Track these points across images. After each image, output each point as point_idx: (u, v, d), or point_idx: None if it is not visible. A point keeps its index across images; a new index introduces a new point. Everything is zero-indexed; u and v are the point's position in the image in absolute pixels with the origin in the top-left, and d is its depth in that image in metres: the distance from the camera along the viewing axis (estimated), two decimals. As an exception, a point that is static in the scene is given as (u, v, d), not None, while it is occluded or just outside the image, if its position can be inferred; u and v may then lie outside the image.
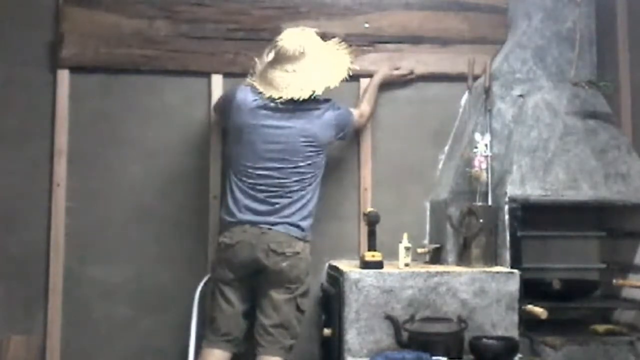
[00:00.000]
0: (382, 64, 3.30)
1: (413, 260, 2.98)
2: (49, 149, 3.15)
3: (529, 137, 3.08)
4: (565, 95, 3.18)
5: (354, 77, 3.27)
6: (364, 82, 3.30)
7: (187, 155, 3.22)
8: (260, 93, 2.86)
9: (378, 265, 2.83)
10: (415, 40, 3.33)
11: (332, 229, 3.20)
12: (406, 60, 3.32)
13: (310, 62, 2.87)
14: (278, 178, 2.79)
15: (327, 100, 2.91)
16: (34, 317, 3.09)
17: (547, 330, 2.87)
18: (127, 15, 3.20)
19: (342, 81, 2.94)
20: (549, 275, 3.06)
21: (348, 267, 2.88)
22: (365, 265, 2.83)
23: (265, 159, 2.81)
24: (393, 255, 2.92)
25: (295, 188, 2.80)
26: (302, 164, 2.81)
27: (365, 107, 3.17)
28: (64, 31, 3.16)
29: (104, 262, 3.15)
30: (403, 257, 2.90)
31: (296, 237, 2.77)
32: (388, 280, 2.77)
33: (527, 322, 2.81)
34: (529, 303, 2.79)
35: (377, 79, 3.23)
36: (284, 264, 2.72)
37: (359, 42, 3.29)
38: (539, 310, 2.73)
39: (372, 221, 2.89)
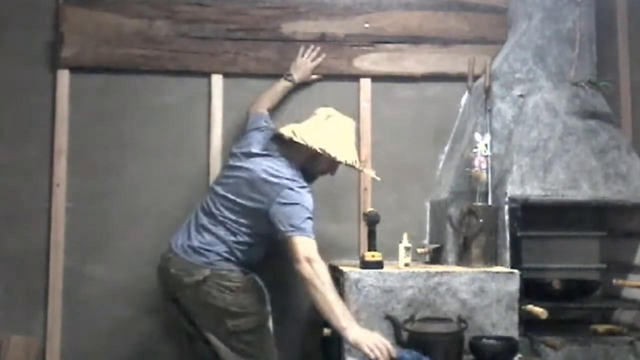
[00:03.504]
0: (382, 64, 3.29)
1: (413, 260, 2.98)
2: (49, 149, 3.15)
3: (529, 137, 3.08)
4: (565, 95, 3.18)
5: (354, 77, 3.30)
6: (363, 82, 3.30)
7: (187, 155, 3.22)
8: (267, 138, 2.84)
9: (378, 265, 2.83)
10: (415, 40, 3.33)
11: (332, 229, 3.20)
12: (406, 60, 3.32)
13: (324, 123, 2.78)
14: (212, 206, 2.74)
15: (291, 183, 2.62)
16: (34, 317, 3.09)
17: (547, 330, 2.86)
18: (128, 15, 3.20)
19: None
20: (549, 275, 3.06)
21: (348, 267, 2.87)
22: (365, 265, 2.83)
23: (217, 185, 2.83)
24: (393, 255, 2.92)
25: (219, 223, 2.70)
26: (239, 208, 2.69)
27: (320, 270, 2.52)
28: (64, 31, 3.16)
29: (104, 262, 3.15)
30: (403, 257, 2.90)
31: (195, 264, 2.65)
32: (388, 280, 2.76)
33: (527, 322, 2.81)
34: (529, 303, 2.79)
35: (354, 333, 2.47)
36: (188, 292, 2.66)
37: (359, 42, 3.29)
38: (539, 310, 2.73)
39: (372, 221, 2.89)
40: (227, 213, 2.71)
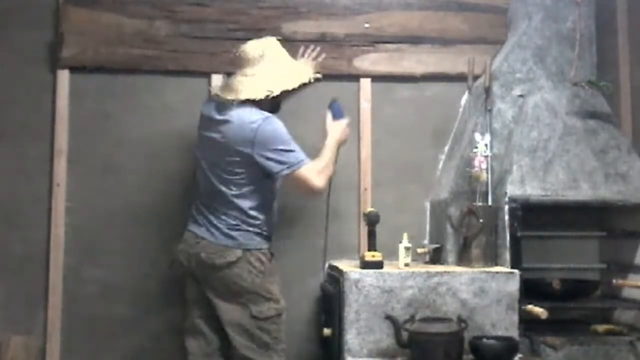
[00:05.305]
0: (382, 64, 3.30)
1: (413, 260, 2.98)
2: (49, 149, 3.15)
3: (529, 137, 3.08)
4: (565, 95, 3.19)
5: (354, 77, 3.30)
6: (363, 82, 3.30)
7: (187, 155, 3.22)
8: (219, 102, 2.79)
9: (378, 265, 2.83)
10: (415, 40, 3.33)
11: (332, 229, 3.20)
12: (406, 60, 3.32)
13: (269, 65, 2.76)
14: (211, 186, 2.75)
15: (265, 117, 2.70)
16: (34, 317, 3.09)
17: (547, 330, 2.87)
18: (128, 15, 3.20)
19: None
20: (549, 275, 3.07)
21: (348, 267, 2.88)
22: (365, 265, 2.83)
23: (204, 167, 2.79)
24: (393, 255, 2.92)
25: (225, 197, 2.71)
26: (229, 171, 2.71)
27: (320, 165, 2.76)
28: (64, 31, 3.16)
29: (104, 262, 3.15)
30: (403, 257, 2.90)
31: (227, 246, 2.68)
32: (388, 280, 2.77)
33: (527, 322, 2.81)
34: (529, 303, 2.79)
35: (333, 140, 2.87)
36: (218, 275, 2.68)
37: (359, 42, 3.29)
38: (539, 310, 2.73)
39: (372, 221, 2.89)
40: (224, 182, 2.72)
